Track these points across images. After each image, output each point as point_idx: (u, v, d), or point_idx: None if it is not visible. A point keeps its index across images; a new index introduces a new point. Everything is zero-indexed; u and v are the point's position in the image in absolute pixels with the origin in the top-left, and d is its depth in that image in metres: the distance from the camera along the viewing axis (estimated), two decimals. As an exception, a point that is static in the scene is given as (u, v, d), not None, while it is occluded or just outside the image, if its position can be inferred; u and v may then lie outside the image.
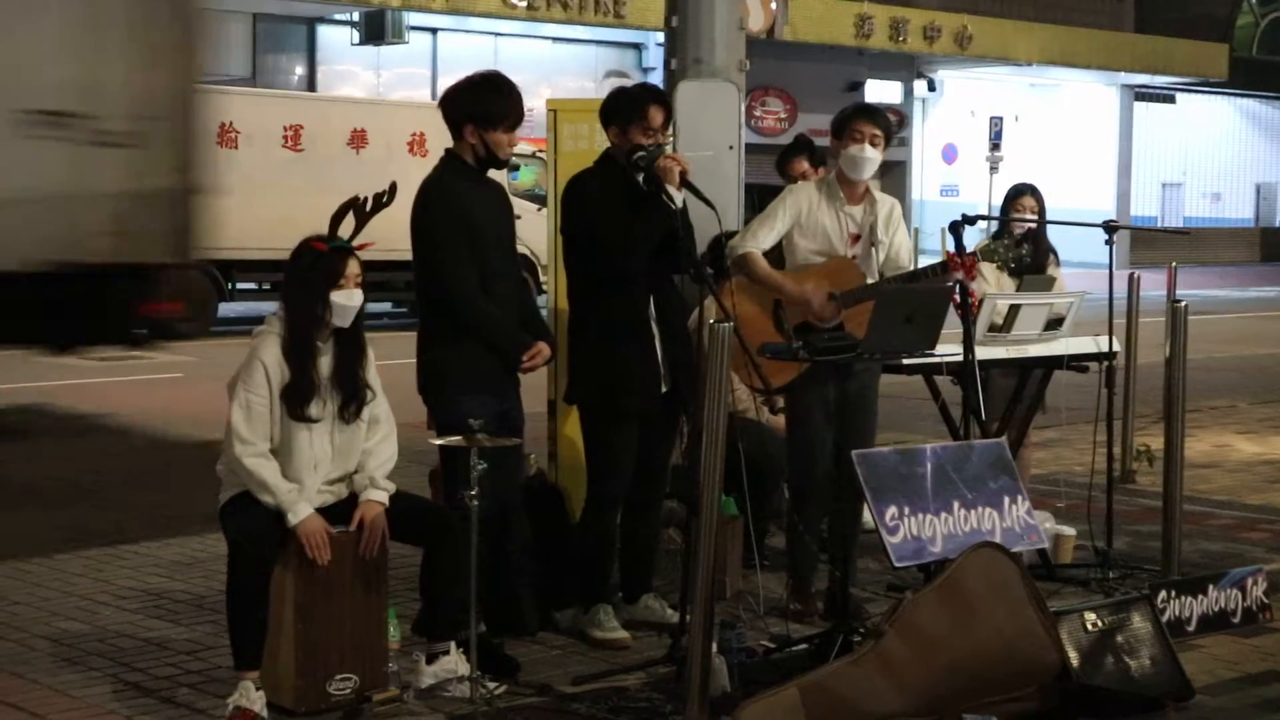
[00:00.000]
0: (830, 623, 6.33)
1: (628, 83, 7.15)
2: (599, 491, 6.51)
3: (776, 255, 6.90)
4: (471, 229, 6.03)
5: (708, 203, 6.21)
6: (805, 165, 8.17)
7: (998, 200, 7.72)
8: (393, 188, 5.79)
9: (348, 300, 5.53)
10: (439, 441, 5.78)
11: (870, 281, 6.79)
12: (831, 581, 6.84)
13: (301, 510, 5.42)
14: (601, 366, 6.40)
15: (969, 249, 6.70)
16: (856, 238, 6.85)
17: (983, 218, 7.66)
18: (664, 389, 6.44)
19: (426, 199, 6.09)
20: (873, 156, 6.78)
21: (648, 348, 6.40)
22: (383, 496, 5.60)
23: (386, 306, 22.25)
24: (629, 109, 6.41)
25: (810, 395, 6.72)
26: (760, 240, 6.76)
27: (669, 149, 6.46)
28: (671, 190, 6.22)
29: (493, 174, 6.33)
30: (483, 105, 6.11)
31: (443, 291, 6.07)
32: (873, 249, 6.83)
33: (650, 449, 6.50)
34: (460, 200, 6.06)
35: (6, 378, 16.26)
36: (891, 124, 6.91)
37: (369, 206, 5.75)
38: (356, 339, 5.64)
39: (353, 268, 5.56)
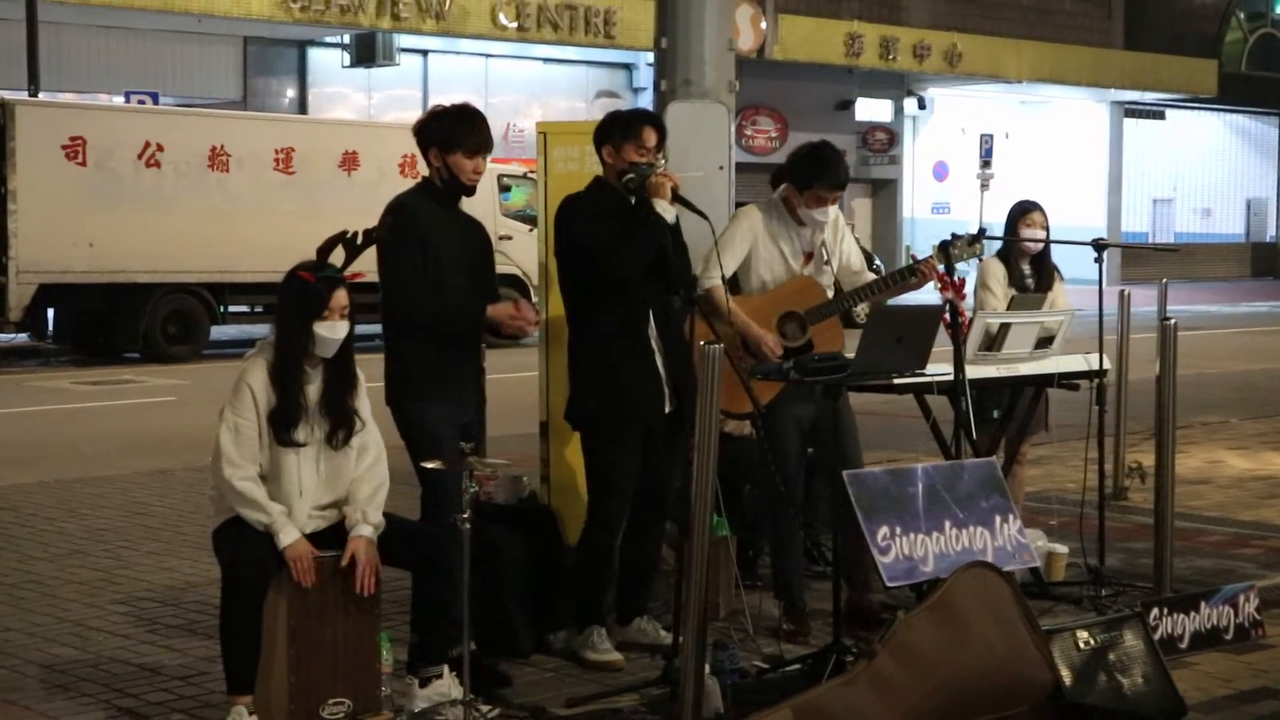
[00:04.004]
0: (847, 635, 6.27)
1: (619, 103, 7.20)
2: (600, 513, 6.49)
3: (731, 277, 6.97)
4: (426, 244, 6.04)
5: (702, 215, 6.24)
6: None
7: (989, 218, 7.77)
8: (385, 223, 5.84)
9: (330, 333, 5.52)
10: (431, 465, 5.78)
11: (831, 296, 6.92)
12: (838, 596, 6.83)
13: (290, 533, 5.43)
14: (601, 382, 6.40)
15: (927, 256, 6.81)
16: (809, 256, 6.95)
17: (974, 236, 7.67)
18: (669, 408, 6.45)
19: (387, 215, 6.14)
20: (831, 217, 6.92)
21: (648, 362, 6.41)
22: (371, 532, 5.56)
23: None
24: (624, 129, 6.47)
25: (785, 415, 6.75)
26: (724, 270, 6.79)
27: (662, 167, 6.49)
28: (664, 206, 6.26)
29: (479, 203, 6.34)
30: (445, 130, 6.18)
31: (391, 296, 6.09)
32: (826, 266, 6.94)
33: (652, 470, 6.50)
34: (418, 217, 6.10)
35: (0, 403, 16.27)
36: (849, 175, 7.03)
37: (359, 240, 5.76)
38: (346, 368, 5.64)
39: (340, 299, 5.54)
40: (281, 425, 5.48)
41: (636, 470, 6.43)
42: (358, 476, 5.65)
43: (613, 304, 6.36)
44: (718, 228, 6.58)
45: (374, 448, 5.73)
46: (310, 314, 5.49)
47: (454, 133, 6.14)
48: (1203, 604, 6.70)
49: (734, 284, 6.97)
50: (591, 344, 6.45)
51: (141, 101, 24.17)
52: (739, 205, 8.09)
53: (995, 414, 7.85)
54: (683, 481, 6.22)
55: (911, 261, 6.98)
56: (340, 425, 5.60)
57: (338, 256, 5.41)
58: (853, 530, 6.19)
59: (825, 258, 6.95)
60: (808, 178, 6.83)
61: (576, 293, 6.52)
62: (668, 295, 6.55)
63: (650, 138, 6.45)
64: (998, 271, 8.14)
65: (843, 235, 7.05)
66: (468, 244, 6.24)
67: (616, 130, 6.48)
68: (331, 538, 5.56)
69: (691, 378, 6.30)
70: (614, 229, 6.31)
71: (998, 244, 8.25)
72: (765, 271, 6.92)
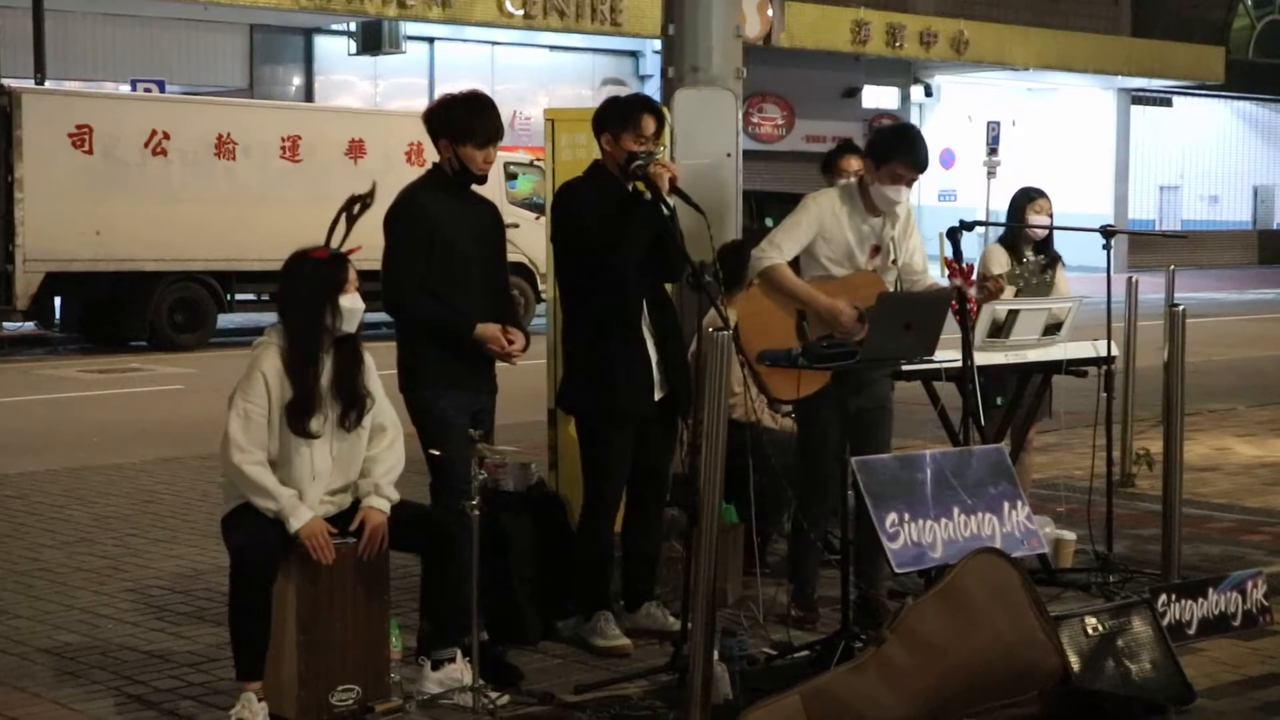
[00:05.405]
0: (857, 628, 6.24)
1: (624, 91, 7.18)
2: (594, 498, 6.51)
3: (792, 260, 6.84)
4: (433, 236, 6.04)
5: (698, 208, 6.22)
6: (856, 162, 7.77)
7: (995, 205, 7.76)
8: (373, 188, 5.83)
9: (353, 304, 5.57)
10: (440, 452, 5.79)
11: None
12: (847, 583, 6.82)
13: (302, 514, 5.43)
14: (594, 371, 6.41)
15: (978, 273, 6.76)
16: (876, 249, 6.78)
17: (980, 223, 7.66)
18: (660, 394, 6.45)
19: (395, 204, 6.13)
20: (906, 199, 6.74)
21: (640, 351, 6.41)
22: (384, 505, 5.60)
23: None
24: (622, 117, 6.44)
25: (827, 407, 6.54)
26: (785, 251, 6.64)
27: (661, 156, 6.48)
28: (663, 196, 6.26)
29: (486, 192, 6.35)
30: (456, 121, 6.14)
31: (388, 287, 6.10)
32: (892, 264, 6.78)
33: (649, 455, 6.51)
34: (426, 209, 6.09)
35: (8, 391, 16.30)
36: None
37: (356, 209, 5.76)
38: (354, 347, 5.66)
39: (351, 273, 5.61)
40: (297, 415, 5.48)
41: (629, 455, 6.45)
42: (373, 455, 5.67)
43: (606, 289, 6.36)
44: (724, 219, 6.57)
45: (391, 429, 5.75)
46: (331, 289, 5.51)
47: (466, 125, 6.10)
48: (1211, 590, 6.71)
49: (794, 269, 6.84)
50: (586, 333, 6.45)
51: (148, 89, 24.15)
52: (745, 193, 8.09)
53: (999, 401, 7.84)
54: (690, 469, 6.23)
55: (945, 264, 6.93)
56: (352, 406, 5.61)
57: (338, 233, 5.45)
58: (864, 524, 6.16)
59: (892, 254, 6.76)
60: (888, 152, 6.64)
61: (571, 278, 6.53)
62: (670, 282, 6.55)
63: (649, 126, 6.42)
64: (1001, 258, 8.14)
65: (911, 232, 6.88)
66: (479, 231, 6.23)
67: (615, 118, 6.45)
68: (342, 524, 5.57)
69: (686, 365, 6.34)
70: (612, 215, 6.31)
71: (1000, 230, 8.25)
72: (828, 258, 6.74)
